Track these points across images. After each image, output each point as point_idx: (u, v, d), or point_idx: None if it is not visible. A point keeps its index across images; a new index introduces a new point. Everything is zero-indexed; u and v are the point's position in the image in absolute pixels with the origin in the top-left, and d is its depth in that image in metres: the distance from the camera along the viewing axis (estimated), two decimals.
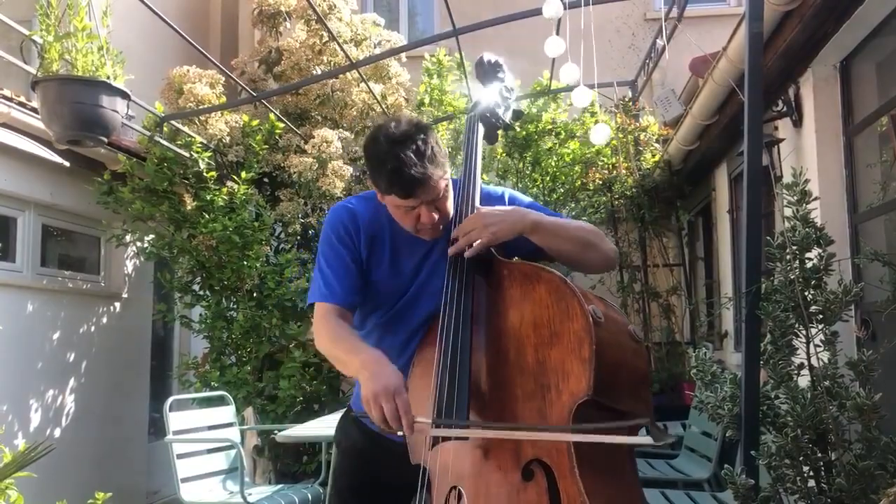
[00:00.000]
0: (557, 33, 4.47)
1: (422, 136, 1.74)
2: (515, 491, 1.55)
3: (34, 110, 4.40)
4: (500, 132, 2.18)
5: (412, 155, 1.70)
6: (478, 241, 1.73)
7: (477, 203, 1.88)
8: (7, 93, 4.52)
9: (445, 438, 1.61)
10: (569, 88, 6.55)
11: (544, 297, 1.65)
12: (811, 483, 2.45)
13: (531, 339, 1.63)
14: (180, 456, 4.16)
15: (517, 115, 2.24)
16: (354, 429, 2.02)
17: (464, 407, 1.61)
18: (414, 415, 1.61)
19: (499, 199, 1.96)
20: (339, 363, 1.78)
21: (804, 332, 2.49)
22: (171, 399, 4.41)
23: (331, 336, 1.81)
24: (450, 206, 1.83)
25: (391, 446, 1.85)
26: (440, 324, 1.73)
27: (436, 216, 1.78)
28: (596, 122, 6.78)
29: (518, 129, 6.64)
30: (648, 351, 6.74)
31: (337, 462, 2.13)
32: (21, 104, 4.58)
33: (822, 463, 2.45)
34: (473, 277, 1.76)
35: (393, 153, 1.71)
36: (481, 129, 2.07)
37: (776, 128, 4.22)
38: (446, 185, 1.80)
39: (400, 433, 1.59)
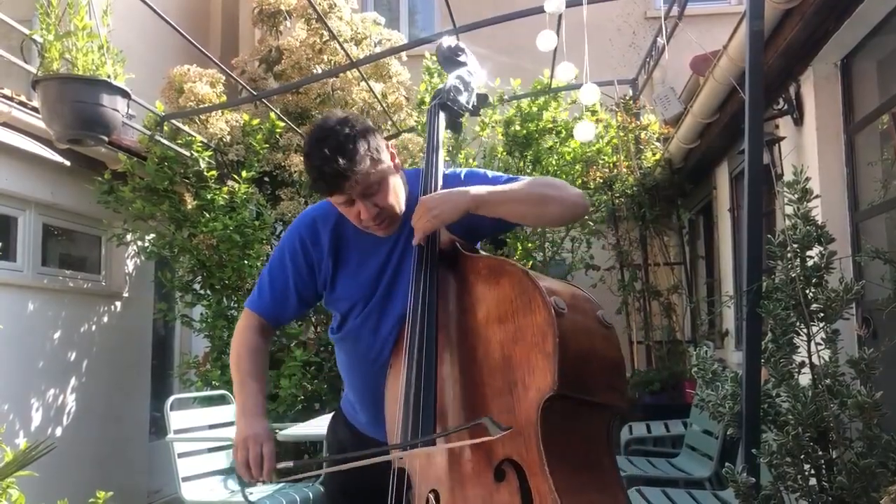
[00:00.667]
0: (558, 32, 4.47)
1: (346, 130, 1.71)
2: (489, 493, 1.52)
3: (35, 110, 4.40)
4: (463, 119, 2.12)
5: (328, 151, 1.67)
6: (424, 228, 1.69)
7: (439, 187, 1.84)
8: (8, 92, 4.52)
9: (413, 445, 1.60)
10: (570, 87, 6.56)
11: (508, 292, 1.60)
12: (812, 481, 2.45)
13: (497, 335, 1.59)
14: (181, 455, 4.16)
15: (482, 99, 2.15)
16: (344, 430, 2.03)
17: (430, 420, 1.58)
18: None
19: (456, 179, 1.91)
20: (234, 385, 1.91)
21: (805, 330, 2.49)
22: (172, 398, 4.41)
23: (237, 357, 1.93)
24: (393, 198, 1.79)
25: (378, 447, 1.85)
26: (407, 327, 1.70)
27: (375, 210, 1.75)
28: (596, 120, 6.79)
29: (519, 128, 6.64)
30: (649, 350, 6.75)
31: (327, 466, 2.14)
32: (22, 104, 4.57)
33: (823, 461, 2.44)
34: (439, 275, 1.73)
35: (312, 152, 1.70)
36: (442, 117, 2.00)
37: (777, 126, 4.22)
38: (382, 178, 1.75)
39: (261, 480, 1.73)
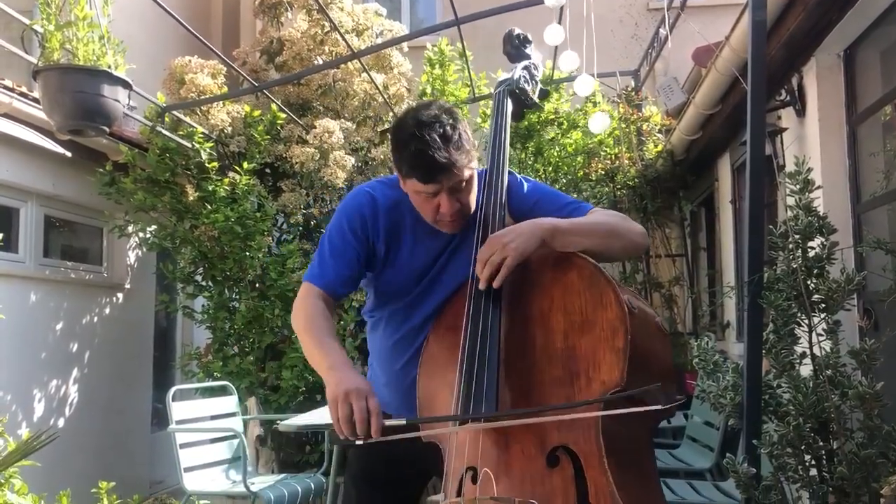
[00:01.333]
0: (560, 23, 4.46)
1: (450, 120, 1.70)
2: (539, 477, 1.52)
3: (36, 100, 4.39)
4: (526, 111, 2.10)
5: (437, 138, 1.66)
6: (506, 263, 1.63)
7: (504, 190, 1.84)
8: (8, 83, 4.51)
9: (474, 420, 1.57)
10: (572, 78, 6.54)
11: (576, 284, 1.62)
12: (813, 472, 2.45)
13: (560, 324, 1.60)
14: (183, 445, 4.17)
15: (544, 93, 2.18)
16: None
17: (492, 396, 1.57)
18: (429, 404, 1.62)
19: (518, 187, 1.90)
20: (307, 351, 1.77)
21: (806, 321, 2.49)
22: (173, 389, 4.42)
23: (308, 319, 1.79)
24: (472, 199, 1.78)
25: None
26: (467, 307, 1.68)
27: (457, 206, 1.74)
28: (599, 112, 6.77)
29: (520, 119, 6.61)
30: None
31: (350, 453, 2.12)
32: (23, 94, 4.57)
33: (823, 451, 2.45)
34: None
35: (417, 135, 1.67)
36: (510, 106, 2.00)
37: (779, 117, 4.21)
38: (471, 176, 1.75)
39: (359, 441, 1.54)
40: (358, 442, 1.54)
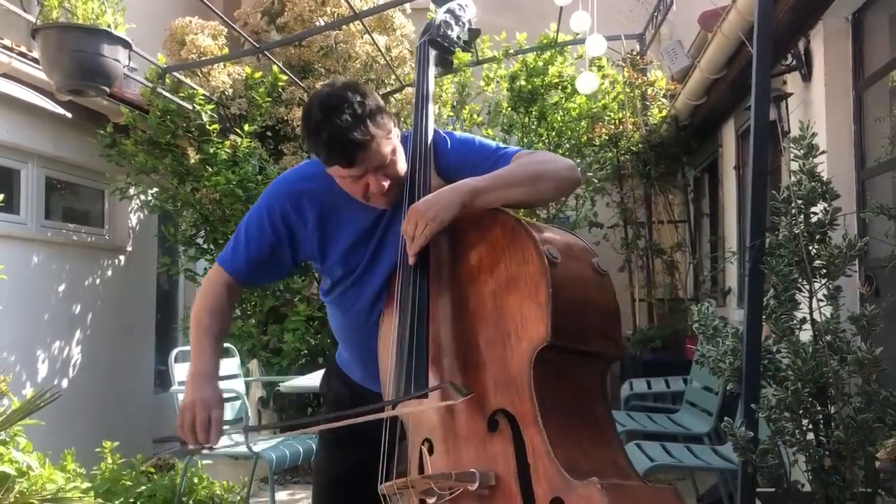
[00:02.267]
0: None
1: (358, 97, 1.62)
2: (482, 442, 1.51)
3: (35, 61, 4.36)
4: (454, 55, 2.02)
5: (349, 118, 1.59)
6: (423, 233, 1.58)
7: (430, 148, 1.78)
8: (7, 42, 4.47)
9: (406, 395, 1.58)
10: (575, 41, 6.48)
11: (500, 241, 1.57)
12: (810, 436, 2.47)
13: (489, 284, 1.57)
14: None
15: (474, 33, 2.06)
16: (338, 382, 2.03)
17: (421, 372, 1.56)
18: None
19: (442, 143, 1.83)
20: (191, 343, 1.84)
21: (807, 286, 2.49)
22: (175, 350, 4.44)
23: (200, 314, 1.85)
24: (400, 167, 1.73)
25: (373, 399, 1.85)
26: (398, 279, 1.68)
27: (385, 183, 1.68)
28: (602, 76, 6.72)
29: (524, 83, 6.56)
30: (651, 307, 6.77)
31: (322, 412, 2.15)
32: (22, 54, 4.53)
33: (821, 416, 2.46)
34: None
35: (328, 120, 1.60)
36: (433, 54, 1.93)
37: (785, 82, 4.17)
38: (393, 149, 1.69)
39: (205, 449, 1.67)
40: (204, 450, 1.69)
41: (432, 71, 1.93)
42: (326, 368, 2.17)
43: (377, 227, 1.82)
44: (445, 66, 2.04)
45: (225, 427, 1.73)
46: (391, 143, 1.67)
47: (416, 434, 1.65)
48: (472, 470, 1.47)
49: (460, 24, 1.99)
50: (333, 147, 1.61)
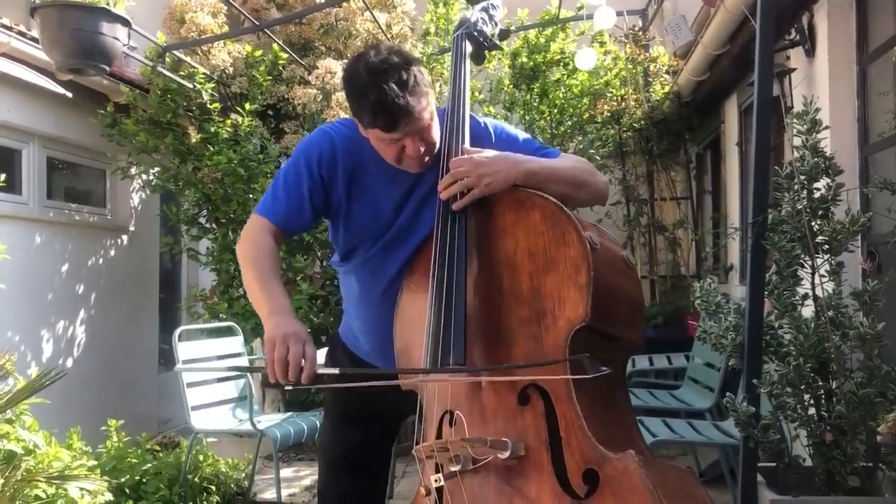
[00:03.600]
0: None
1: (404, 64, 1.67)
2: (511, 414, 1.56)
3: (35, 40, 4.33)
4: (487, 52, 2.08)
5: (395, 86, 1.63)
6: (471, 192, 1.67)
7: (466, 132, 1.82)
8: (7, 21, 4.45)
9: (444, 361, 1.59)
10: (578, 17, 6.43)
11: (539, 224, 1.64)
12: (811, 411, 2.49)
13: (525, 265, 1.63)
14: (190, 385, 4.23)
15: (504, 34, 2.15)
16: (344, 358, 2.03)
17: (460, 346, 1.58)
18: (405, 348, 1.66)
19: (484, 132, 1.89)
20: (249, 288, 1.75)
21: (809, 262, 2.50)
22: (179, 329, 4.46)
23: (255, 256, 1.77)
24: (435, 135, 1.77)
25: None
26: (433, 251, 1.70)
27: (422, 148, 1.73)
28: (605, 52, 6.67)
29: (526, 60, 6.53)
30: (654, 284, 6.77)
31: (327, 392, 2.14)
32: (21, 34, 4.51)
33: (822, 391, 2.48)
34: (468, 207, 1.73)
35: (374, 84, 1.63)
36: (468, 48, 1.99)
37: (788, 57, 4.15)
38: (431, 115, 1.73)
39: (288, 386, 1.55)
40: (287, 387, 1.56)
41: (468, 63, 1.98)
42: (330, 345, 2.17)
43: (409, 200, 1.85)
44: (478, 61, 2.08)
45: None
46: (430, 109, 1.72)
47: (437, 405, 1.67)
48: (505, 439, 1.52)
49: (493, 22, 2.06)
50: (378, 111, 1.65)
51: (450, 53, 2.08)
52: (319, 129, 1.92)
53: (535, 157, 1.81)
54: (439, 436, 1.65)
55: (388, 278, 1.87)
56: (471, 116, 1.90)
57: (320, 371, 1.57)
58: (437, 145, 1.79)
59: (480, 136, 1.87)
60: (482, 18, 2.03)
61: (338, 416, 2.05)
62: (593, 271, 1.52)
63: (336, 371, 1.64)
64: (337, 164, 1.84)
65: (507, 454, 1.51)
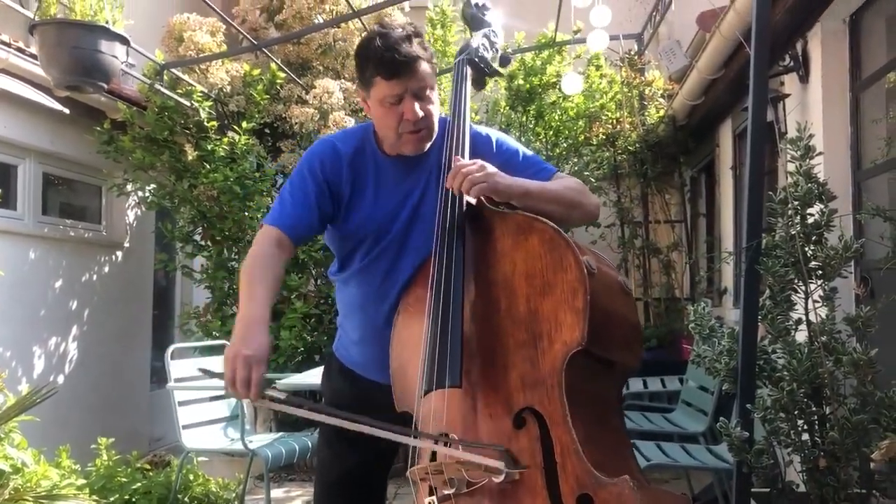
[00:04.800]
0: None
1: (412, 28, 1.78)
2: (506, 438, 1.55)
3: (33, 56, 4.35)
4: (487, 78, 2.14)
5: (399, 38, 1.73)
6: (480, 186, 1.67)
7: (466, 144, 1.86)
8: (5, 38, 4.46)
9: (439, 383, 1.60)
10: (574, 41, 6.48)
11: (537, 248, 1.64)
12: (805, 436, 2.48)
13: (523, 289, 1.64)
14: (182, 403, 4.20)
15: (504, 60, 2.21)
16: (339, 378, 2.03)
17: (457, 368, 1.59)
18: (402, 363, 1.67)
19: (486, 142, 1.93)
20: (240, 296, 1.77)
21: (803, 287, 2.50)
22: (172, 347, 4.44)
23: (251, 263, 1.80)
24: (435, 116, 1.83)
25: (374, 393, 1.87)
26: (432, 273, 1.71)
27: (420, 113, 1.77)
28: (601, 75, 6.72)
29: (522, 82, 6.57)
30: (648, 306, 6.78)
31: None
32: (20, 50, 4.52)
33: (816, 417, 2.47)
34: (465, 225, 1.75)
35: (382, 34, 1.75)
36: (469, 73, 2.04)
37: (782, 83, 4.18)
38: (433, 88, 1.81)
39: (245, 400, 1.62)
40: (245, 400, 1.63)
41: (469, 84, 2.04)
42: (326, 363, 2.16)
43: (406, 204, 1.88)
44: (478, 86, 2.14)
45: (272, 388, 1.67)
46: (432, 78, 1.81)
47: (434, 428, 1.66)
48: (499, 462, 1.51)
49: (494, 48, 2.12)
50: (383, 55, 1.72)
51: (447, 75, 2.12)
52: (321, 139, 1.98)
53: (527, 174, 1.84)
54: (433, 458, 1.64)
55: (386, 287, 1.88)
56: (472, 127, 1.94)
57: (268, 393, 1.62)
58: (435, 128, 1.85)
59: (482, 145, 1.91)
60: (483, 45, 2.08)
61: (336, 437, 2.03)
62: (590, 295, 1.53)
63: (282, 395, 1.65)
64: (341, 166, 1.88)
65: (501, 477, 1.50)
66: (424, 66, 1.76)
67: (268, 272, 1.78)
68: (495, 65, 2.12)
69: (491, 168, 1.72)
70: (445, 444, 1.62)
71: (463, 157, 1.83)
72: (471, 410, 1.63)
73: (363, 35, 1.83)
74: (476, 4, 2.18)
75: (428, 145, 1.87)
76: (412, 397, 1.71)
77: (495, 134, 1.98)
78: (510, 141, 1.99)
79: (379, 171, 1.88)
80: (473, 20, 2.18)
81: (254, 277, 1.76)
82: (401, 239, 1.87)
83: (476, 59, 2.05)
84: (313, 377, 4.16)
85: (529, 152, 1.98)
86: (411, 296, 1.84)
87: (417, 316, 1.77)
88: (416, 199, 1.87)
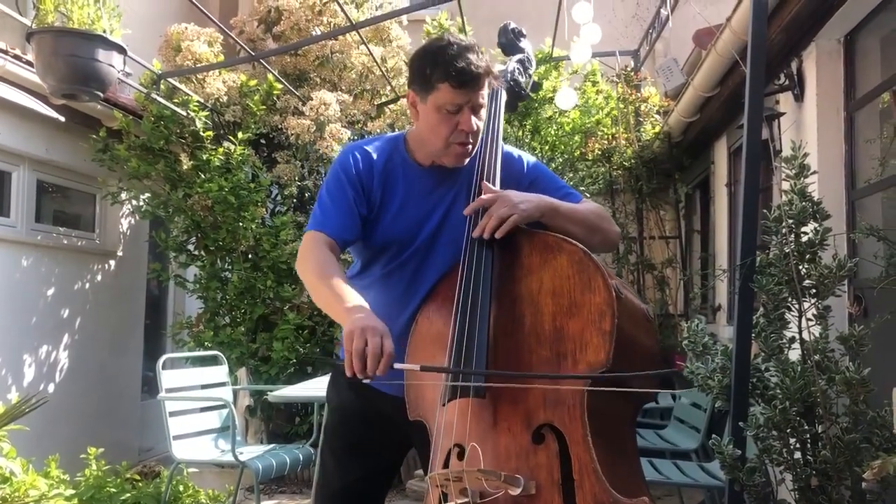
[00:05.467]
0: (560, 2, 4.43)
1: (475, 42, 1.80)
2: (524, 453, 1.55)
3: (29, 64, 4.35)
4: (518, 102, 2.25)
5: (472, 49, 1.76)
6: (511, 218, 1.71)
7: (498, 162, 1.90)
8: (2, 45, 4.46)
9: (463, 393, 1.59)
10: (564, 57, 6.51)
11: (565, 268, 1.66)
12: (797, 455, 2.47)
13: (549, 307, 1.65)
14: (173, 414, 4.18)
15: (535, 86, 2.32)
16: (346, 387, 2.01)
17: (482, 364, 1.60)
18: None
19: (517, 162, 1.96)
20: (319, 296, 1.73)
21: (797, 305, 2.50)
22: (164, 357, 4.42)
23: (318, 266, 1.75)
24: (482, 126, 1.85)
25: (382, 405, 1.85)
26: (459, 281, 1.72)
27: (476, 125, 1.79)
28: (597, 91, 6.75)
29: (513, 110, 6.59)
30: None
31: (329, 420, 2.12)
32: (16, 57, 4.52)
33: (808, 435, 2.47)
34: (494, 240, 1.75)
35: (454, 44, 1.76)
36: (504, 97, 2.08)
37: (777, 101, 4.20)
38: (485, 106, 1.82)
39: (366, 380, 1.52)
40: (365, 381, 1.52)
41: (503, 108, 2.08)
42: (333, 374, 2.14)
43: (433, 216, 1.89)
44: (511, 109, 2.22)
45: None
46: (487, 99, 1.83)
47: (447, 438, 1.65)
48: (518, 475, 1.51)
49: (528, 74, 2.21)
50: (457, 65, 1.72)
51: None
52: (350, 144, 2.00)
53: (556, 197, 1.87)
54: (445, 465, 1.63)
55: (399, 296, 1.88)
56: (504, 147, 1.98)
57: (397, 366, 1.55)
58: (480, 138, 1.87)
59: (513, 165, 1.95)
60: (518, 69, 2.17)
61: (342, 447, 2.02)
62: (617, 319, 1.55)
63: (417, 367, 1.61)
64: (372, 168, 1.89)
65: (518, 491, 1.50)
66: (492, 76, 1.79)
67: (339, 269, 1.75)
68: (527, 89, 2.21)
69: (512, 197, 1.75)
70: (459, 455, 1.61)
71: (494, 176, 1.86)
72: (489, 424, 1.62)
73: (429, 43, 1.84)
74: (513, 31, 2.26)
75: (468, 158, 1.88)
76: (428, 404, 1.71)
77: (526, 156, 2.02)
78: (540, 164, 2.05)
79: (409, 180, 1.89)
80: (509, 46, 2.26)
81: (332, 276, 1.71)
82: (426, 249, 1.88)
83: (511, 83, 2.12)
84: (306, 390, 4.15)
85: (557, 176, 2.04)
86: (433, 304, 1.83)
87: (438, 324, 1.77)
88: (444, 211, 1.88)
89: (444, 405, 1.64)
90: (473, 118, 1.78)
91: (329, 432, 2.10)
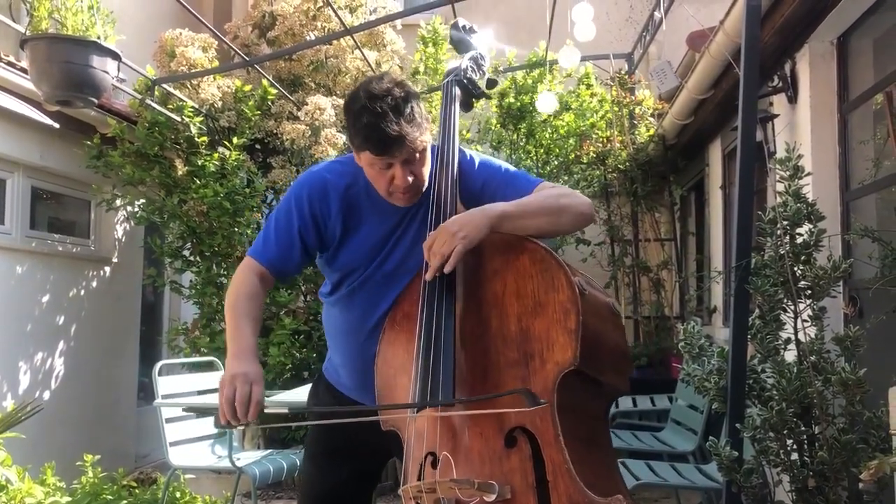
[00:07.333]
0: (554, 5, 4.44)
1: (402, 93, 1.71)
2: (497, 457, 1.55)
3: (23, 70, 4.34)
4: (474, 100, 2.16)
5: (389, 111, 1.67)
6: (454, 251, 1.63)
7: (455, 168, 1.86)
8: None
9: (433, 403, 1.60)
10: (555, 61, 6.52)
11: (528, 268, 1.65)
12: (794, 456, 2.48)
13: (514, 308, 1.64)
14: (169, 420, 4.16)
15: (491, 83, 2.23)
16: (327, 395, 2.04)
17: (449, 388, 1.58)
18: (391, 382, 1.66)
19: (469, 163, 1.91)
20: (226, 332, 1.81)
21: (792, 307, 2.51)
22: (160, 363, 4.41)
23: (235, 298, 1.83)
24: (426, 171, 1.80)
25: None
26: (421, 295, 1.71)
27: (410, 179, 1.75)
28: (591, 94, 6.76)
29: (513, 100, 6.60)
30: (637, 325, 6.78)
31: (311, 428, 2.14)
32: (10, 64, 4.51)
33: (805, 436, 2.48)
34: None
35: (369, 107, 1.67)
36: (458, 94, 2.05)
37: (771, 103, 4.21)
38: (424, 150, 1.77)
39: (239, 426, 1.62)
40: (239, 427, 1.62)
41: (458, 107, 2.05)
42: (315, 381, 2.17)
43: (395, 233, 1.87)
44: (465, 108, 2.15)
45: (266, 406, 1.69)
46: (423, 143, 1.75)
47: (420, 447, 1.66)
48: (491, 481, 1.51)
49: (481, 71, 2.14)
50: (370, 134, 1.68)
51: (438, 92, 2.14)
52: (309, 170, 1.96)
53: (508, 191, 1.82)
54: (420, 477, 1.63)
55: (369, 313, 1.88)
56: (459, 148, 1.94)
57: (268, 411, 1.64)
58: (426, 181, 1.81)
59: (465, 165, 1.90)
60: (471, 67, 2.10)
61: (322, 453, 2.03)
62: (582, 316, 1.53)
63: (285, 410, 1.66)
64: (329, 199, 1.86)
65: (493, 497, 1.50)
66: (414, 135, 1.71)
67: (252, 304, 1.82)
68: (482, 87, 2.14)
69: (450, 227, 1.66)
70: (433, 463, 1.61)
71: (454, 195, 1.81)
72: (461, 431, 1.62)
73: (353, 93, 1.76)
74: (464, 27, 2.21)
75: (418, 198, 1.84)
76: (399, 415, 1.71)
77: (478, 156, 1.96)
78: (491, 159, 1.98)
79: (371, 199, 1.87)
80: (461, 43, 2.20)
81: (240, 313, 1.80)
82: (390, 270, 1.87)
83: (465, 81, 2.06)
84: (302, 395, 4.14)
85: (514, 168, 1.96)
86: (398, 313, 1.83)
87: (404, 334, 1.77)
88: (404, 231, 1.87)
89: (413, 415, 1.64)
90: (407, 173, 1.74)
91: (311, 439, 2.12)
